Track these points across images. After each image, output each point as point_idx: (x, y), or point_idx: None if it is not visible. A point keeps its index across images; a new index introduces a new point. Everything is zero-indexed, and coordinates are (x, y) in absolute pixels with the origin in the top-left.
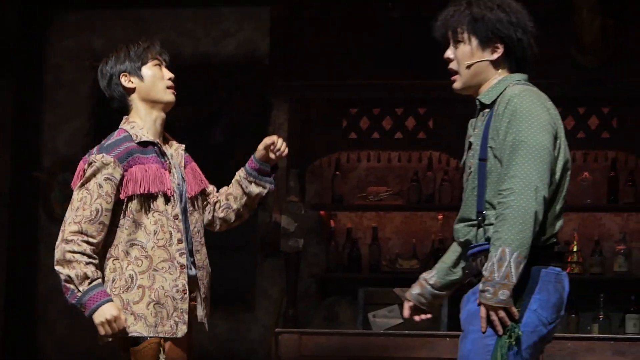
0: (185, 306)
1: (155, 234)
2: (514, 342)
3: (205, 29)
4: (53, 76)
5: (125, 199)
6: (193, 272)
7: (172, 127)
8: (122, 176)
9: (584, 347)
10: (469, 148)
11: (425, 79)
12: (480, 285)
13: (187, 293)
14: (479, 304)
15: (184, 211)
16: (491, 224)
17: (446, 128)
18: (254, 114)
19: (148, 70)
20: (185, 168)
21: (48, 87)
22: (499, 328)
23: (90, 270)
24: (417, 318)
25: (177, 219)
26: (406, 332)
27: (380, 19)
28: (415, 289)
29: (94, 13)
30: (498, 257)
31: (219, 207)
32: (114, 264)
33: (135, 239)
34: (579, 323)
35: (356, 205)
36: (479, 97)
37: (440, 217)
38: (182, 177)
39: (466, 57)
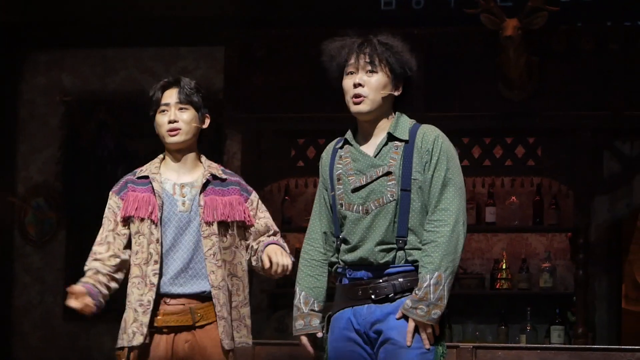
0: (146, 320)
1: (135, 253)
2: (443, 357)
3: (165, 67)
4: (26, 110)
5: (129, 223)
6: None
7: (135, 157)
8: (121, 203)
9: (512, 356)
10: (379, 176)
11: None
12: (409, 303)
13: (151, 308)
14: (403, 318)
15: (180, 234)
16: (414, 248)
17: None
18: (210, 144)
19: (156, 118)
20: (204, 195)
21: (22, 120)
22: (427, 342)
23: (86, 274)
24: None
25: (158, 242)
26: None
27: None
28: (314, 321)
29: (63, 53)
30: (435, 280)
31: (251, 254)
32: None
33: (131, 257)
34: (508, 334)
35: (304, 227)
36: (390, 131)
37: None
38: (198, 204)
39: (381, 87)
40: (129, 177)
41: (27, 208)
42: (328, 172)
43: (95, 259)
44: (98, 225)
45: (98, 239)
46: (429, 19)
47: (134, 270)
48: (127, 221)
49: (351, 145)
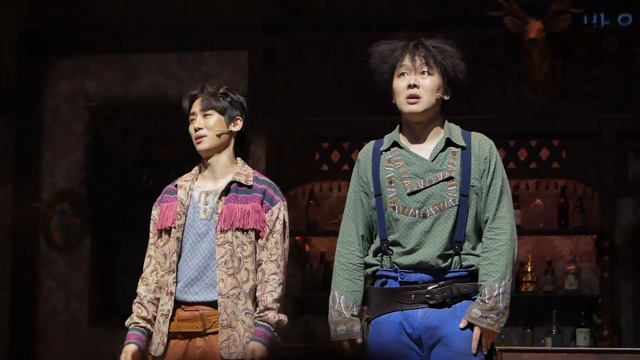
0: (165, 329)
1: (161, 265)
2: None
3: (189, 72)
4: (50, 116)
5: (162, 233)
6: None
7: (159, 163)
8: (157, 216)
9: (538, 358)
10: (435, 181)
11: (389, 115)
12: (477, 312)
13: (169, 316)
14: (469, 327)
15: (199, 242)
16: (468, 254)
17: None
18: (241, 150)
19: (189, 128)
20: (223, 203)
21: (46, 126)
22: (487, 350)
23: (134, 312)
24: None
25: (175, 251)
26: None
27: (348, 62)
28: (356, 326)
29: (87, 59)
30: (502, 289)
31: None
32: None
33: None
34: (534, 336)
35: (329, 230)
36: (447, 136)
37: None
38: (216, 212)
39: (435, 88)
40: (168, 186)
41: (52, 214)
42: (371, 174)
43: (142, 283)
44: (122, 230)
45: (146, 253)
46: (454, 22)
47: (160, 281)
48: (161, 232)
49: (401, 148)
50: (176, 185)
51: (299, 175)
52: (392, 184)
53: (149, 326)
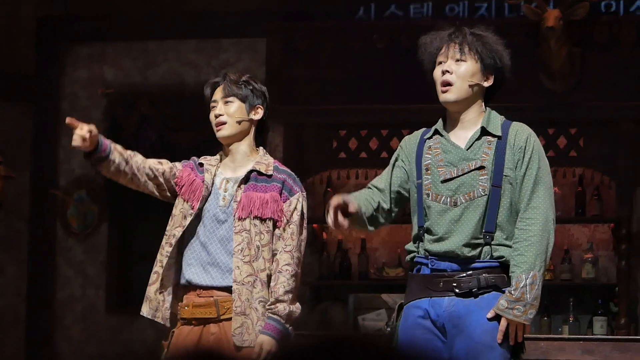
0: (169, 299)
1: (171, 222)
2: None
3: (206, 60)
4: (68, 103)
5: (175, 188)
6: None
7: (177, 150)
8: (181, 168)
9: (555, 347)
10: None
11: (407, 103)
12: (504, 303)
13: (178, 297)
14: (495, 319)
15: (217, 228)
16: (500, 245)
17: None
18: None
19: (210, 115)
20: (243, 191)
21: (64, 113)
22: (514, 342)
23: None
24: (342, 219)
25: (183, 228)
26: None
27: (366, 50)
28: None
29: (105, 46)
30: (530, 280)
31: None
32: None
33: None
34: (551, 325)
35: None
36: (484, 125)
37: None
38: (234, 200)
39: (469, 75)
40: (196, 159)
41: (69, 201)
42: (414, 161)
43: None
44: (139, 217)
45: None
46: (469, 10)
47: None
48: (173, 183)
49: (442, 136)
50: (201, 164)
51: (317, 163)
52: (429, 171)
53: (117, 150)
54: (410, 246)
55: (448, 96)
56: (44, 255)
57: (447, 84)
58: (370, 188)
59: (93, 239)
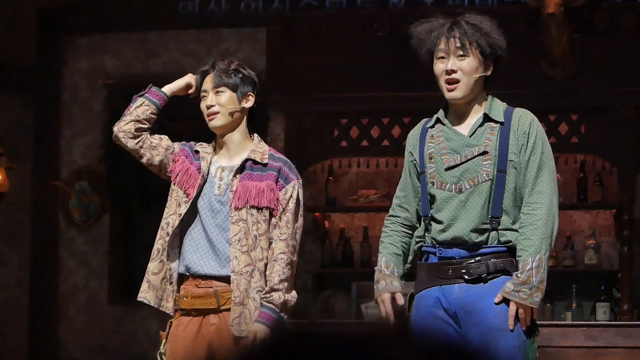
0: (171, 288)
1: (168, 207)
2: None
3: (206, 49)
4: (69, 94)
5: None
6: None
7: (178, 140)
8: (179, 149)
9: (558, 333)
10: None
11: (408, 91)
12: (510, 286)
13: (177, 283)
14: (504, 302)
15: (212, 217)
16: (507, 229)
17: None
18: (253, 125)
19: (201, 105)
20: (238, 181)
21: (64, 104)
22: (525, 326)
23: None
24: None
25: (179, 216)
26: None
27: (366, 38)
28: (396, 282)
29: (105, 36)
30: (536, 263)
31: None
32: None
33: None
34: (554, 311)
35: (348, 207)
36: (486, 112)
37: None
38: (230, 189)
39: (473, 70)
40: (192, 145)
41: (71, 192)
42: (418, 151)
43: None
44: (142, 208)
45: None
46: None
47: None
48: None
49: (443, 124)
50: (197, 152)
51: (318, 151)
52: (432, 160)
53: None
54: (416, 236)
55: (456, 94)
56: (47, 246)
57: (454, 82)
58: (395, 223)
59: (95, 230)
